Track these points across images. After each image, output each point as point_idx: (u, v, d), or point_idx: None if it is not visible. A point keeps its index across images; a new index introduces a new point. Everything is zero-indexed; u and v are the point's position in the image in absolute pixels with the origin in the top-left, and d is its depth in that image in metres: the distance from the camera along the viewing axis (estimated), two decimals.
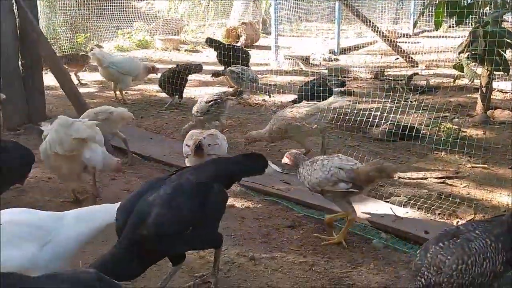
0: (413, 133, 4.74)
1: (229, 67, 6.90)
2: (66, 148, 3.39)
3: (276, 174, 4.17)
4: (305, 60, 9.19)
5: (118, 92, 6.73)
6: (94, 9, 11.09)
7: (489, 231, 2.31)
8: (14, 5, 5.17)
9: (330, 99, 4.70)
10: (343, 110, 4.66)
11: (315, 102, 4.77)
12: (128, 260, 2.37)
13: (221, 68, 7.91)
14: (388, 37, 9.78)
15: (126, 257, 2.37)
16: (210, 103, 5.02)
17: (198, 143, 3.60)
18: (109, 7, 11.47)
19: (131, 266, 2.39)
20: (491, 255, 2.23)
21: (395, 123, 4.99)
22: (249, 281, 2.86)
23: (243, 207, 3.79)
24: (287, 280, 2.87)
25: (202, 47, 11.57)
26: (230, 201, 3.72)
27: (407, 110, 5.09)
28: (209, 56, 10.56)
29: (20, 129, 5.33)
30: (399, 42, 10.26)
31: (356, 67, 8.62)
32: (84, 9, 10.85)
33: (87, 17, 10.84)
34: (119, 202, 2.55)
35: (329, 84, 5.96)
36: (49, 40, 6.52)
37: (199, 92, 7.14)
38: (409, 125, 4.87)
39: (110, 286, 1.75)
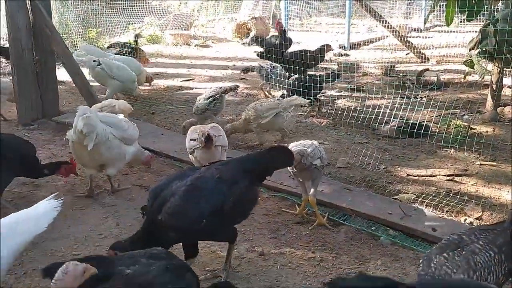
0: (422, 131, 4.76)
1: (259, 63, 6.94)
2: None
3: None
4: None
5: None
6: (106, 4, 11.18)
7: (492, 242, 2.29)
8: (28, 1, 5.26)
9: (292, 97, 5.03)
10: (352, 107, 4.70)
11: (280, 98, 5.18)
12: (146, 240, 2.53)
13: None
14: (399, 32, 9.74)
15: (144, 237, 2.56)
16: (208, 100, 5.16)
17: (207, 135, 3.64)
18: (121, 2, 11.55)
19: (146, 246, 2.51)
20: (495, 268, 2.22)
21: (404, 120, 5.00)
22: (259, 275, 2.92)
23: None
24: (295, 275, 2.93)
25: (213, 42, 11.63)
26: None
27: (416, 107, 5.09)
28: (219, 51, 10.62)
29: (34, 124, 5.42)
30: (410, 37, 10.21)
31: (366, 62, 8.62)
32: (96, 4, 10.95)
33: (99, 12, 10.94)
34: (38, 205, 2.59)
35: (319, 80, 5.99)
36: (61, 35, 6.59)
37: (209, 86, 7.19)
38: (418, 122, 4.89)
39: (174, 258, 2.15)
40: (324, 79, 6.04)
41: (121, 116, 4.01)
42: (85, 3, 10.63)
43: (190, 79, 7.95)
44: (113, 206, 3.72)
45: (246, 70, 7.28)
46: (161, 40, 11.23)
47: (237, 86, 5.65)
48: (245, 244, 3.25)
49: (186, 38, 11.27)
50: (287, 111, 4.85)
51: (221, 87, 5.49)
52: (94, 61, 6.07)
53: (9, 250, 2.33)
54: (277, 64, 6.81)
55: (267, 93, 6.84)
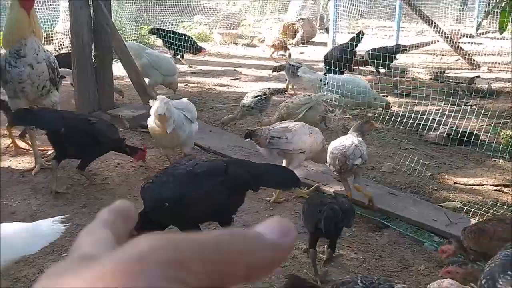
0: (471, 139, 4.70)
1: (288, 61, 7.05)
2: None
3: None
4: (361, 58, 9.14)
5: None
6: (158, 1, 11.54)
7: None
8: (90, 0, 5.55)
9: (321, 92, 5.16)
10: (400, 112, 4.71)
11: (309, 94, 5.30)
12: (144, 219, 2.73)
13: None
14: (450, 37, 9.55)
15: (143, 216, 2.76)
16: (256, 99, 5.29)
17: (247, 132, 3.83)
18: (172, 0, 11.89)
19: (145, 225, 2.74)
20: None
21: (453, 127, 4.95)
22: (302, 271, 3.01)
23: (298, 202, 3.94)
24: (338, 274, 3.00)
25: (260, 42, 11.76)
26: (285, 195, 3.90)
27: (466, 114, 5.03)
28: (265, 51, 10.75)
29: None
30: (462, 42, 9.99)
31: (415, 67, 8.51)
32: (148, 2, 11.32)
33: (151, 10, 11.30)
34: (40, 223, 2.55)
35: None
36: None
37: (255, 86, 7.33)
38: (467, 130, 4.83)
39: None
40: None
41: (185, 99, 4.39)
42: (139, 0, 11.02)
43: (237, 78, 8.11)
44: None
45: (277, 69, 7.39)
46: (209, 38, 11.47)
47: (285, 89, 5.77)
48: None
49: (233, 37, 11.46)
50: (319, 105, 4.95)
51: (269, 88, 5.64)
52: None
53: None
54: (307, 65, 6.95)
55: (292, 92, 6.92)
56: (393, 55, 7.45)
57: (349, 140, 3.60)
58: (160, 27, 9.12)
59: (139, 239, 0.34)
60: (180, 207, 2.72)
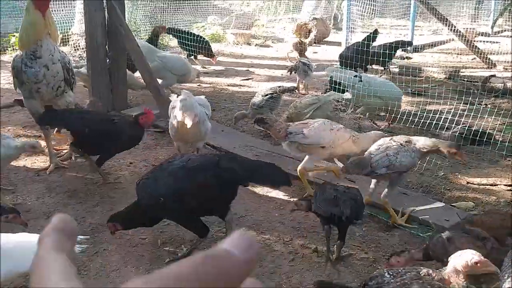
0: (485, 138, 4.65)
1: (300, 59, 7.06)
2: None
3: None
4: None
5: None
6: (172, 2, 11.62)
7: None
8: (104, 1, 5.63)
9: (329, 93, 5.17)
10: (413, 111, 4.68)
11: (317, 94, 5.35)
12: (136, 213, 2.95)
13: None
14: (465, 35, 9.44)
15: (134, 210, 2.96)
16: (266, 97, 5.35)
17: (257, 118, 4.01)
18: (186, 1, 11.96)
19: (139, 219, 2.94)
20: None
21: (467, 127, 4.90)
22: (312, 271, 3.02)
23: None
24: (348, 274, 3.00)
25: (273, 42, 11.78)
26: (297, 195, 3.91)
27: (480, 114, 4.97)
28: (278, 51, 10.75)
29: None
30: (477, 41, 9.87)
31: (429, 66, 8.43)
32: (162, 3, 11.41)
33: (165, 11, 11.39)
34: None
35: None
36: None
37: (268, 86, 7.34)
38: (481, 129, 4.78)
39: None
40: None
41: (203, 96, 4.46)
42: (153, 2, 11.11)
43: (250, 78, 8.14)
44: None
45: (291, 70, 7.38)
46: (223, 39, 11.52)
47: (295, 88, 5.79)
48: (300, 240, 3.35)
49: (247, 37, 11.49)
50: (326, 105, 4.97)
51: (279, 87, 5.65)
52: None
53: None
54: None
55: (303, 91, 6.93)
56: (393, 52, 7.50)
57: (385, 146, 3.46)
58: (176, 27, 9.19)
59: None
60: (175, 202, 2.80)
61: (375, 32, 7.57)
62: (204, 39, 8.59)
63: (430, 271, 2.15)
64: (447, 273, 2.09)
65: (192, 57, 8.48)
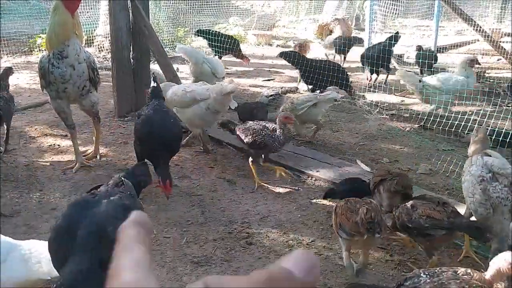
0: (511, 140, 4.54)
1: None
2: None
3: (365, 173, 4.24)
4: (399, 58, 9.00)
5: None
6: (194, 4, 11.72)
7: None
8: (129, 3, 5.70)
9: (327, 92, 5.21)
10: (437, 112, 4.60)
11: (316, 93, 5.44)
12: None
13: None
14: (491, 36, 9.25)
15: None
16: (270, 97, 5.47)
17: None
18: (208, 2, 12.04)
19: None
20: None
21: (493, 128, 4.79)
22: (335, 272, 3.00)
23: (331, 203, 3.92)
24: (372, 276, 2.97)
25: (294, 43, 11.74)
26: (317, 195, 3.88)
27: (509, 115, 4.87)
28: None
29: (128, 116, 5.85)
30: (503, 42, 9.67)
31: (454, 67, 8.27)
32: (185, 4, 11.52)
33: (187, 12, 11.49)
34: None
35: None
36: None
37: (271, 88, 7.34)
38: (509, 131, 4.66)
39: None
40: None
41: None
42: (176, 3, 11.21)
43: (271, 79, 8.13)
44: (198, 196, 3.96)
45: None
46: (244, 40, 11.55)
47: (297, 88, 5.89)
48: (323, 241, 3.33)
49: (268, 38, 11.51)
50: (322, 103, 5.05)
51: (282, 87, 5.86)
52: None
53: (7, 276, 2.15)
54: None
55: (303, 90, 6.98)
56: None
57: None
58: (205, 29, 9.18)
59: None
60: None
61: (397, 33, 7.52)
62: (235, 39, 8.58)
63: (469, 271, 2.12)
64: (491, 275, 2.06)
65: (217, 56, 8.51)
